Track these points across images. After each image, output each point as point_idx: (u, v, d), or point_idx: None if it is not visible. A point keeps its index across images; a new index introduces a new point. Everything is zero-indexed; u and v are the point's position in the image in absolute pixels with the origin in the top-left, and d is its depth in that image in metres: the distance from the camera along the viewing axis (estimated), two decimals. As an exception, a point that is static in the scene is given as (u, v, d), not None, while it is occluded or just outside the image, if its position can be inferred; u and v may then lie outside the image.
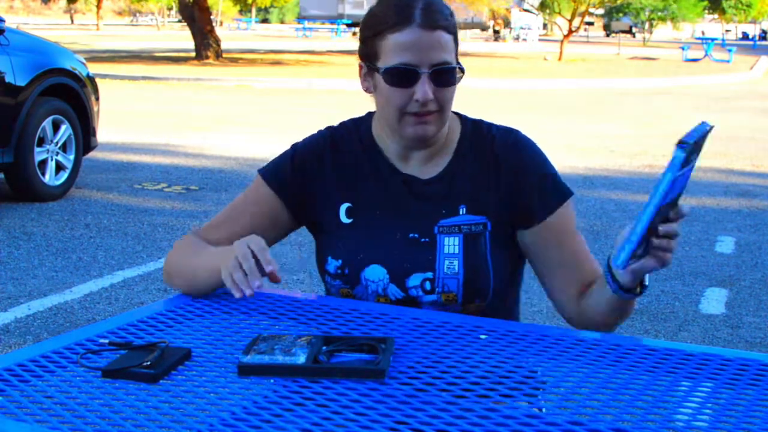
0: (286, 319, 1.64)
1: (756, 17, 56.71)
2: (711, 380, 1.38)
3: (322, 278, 1.84)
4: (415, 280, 1.74)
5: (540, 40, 46.47)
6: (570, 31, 28.98)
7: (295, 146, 1.87)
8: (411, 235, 1.77)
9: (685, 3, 41.23)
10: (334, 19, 47.09)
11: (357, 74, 1.81)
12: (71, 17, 73.55)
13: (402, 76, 1.69)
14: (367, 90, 1.80)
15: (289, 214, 1.84)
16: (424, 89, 1.68)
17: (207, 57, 22.64)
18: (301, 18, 50.96)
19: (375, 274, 1.75)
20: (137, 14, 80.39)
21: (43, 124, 6.67)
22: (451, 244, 1.74)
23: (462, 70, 1.73)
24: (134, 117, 12.05)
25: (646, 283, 1.63)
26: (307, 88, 17.58)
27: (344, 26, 46.65)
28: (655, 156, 9.50)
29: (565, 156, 9.31)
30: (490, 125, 1.85)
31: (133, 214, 6.35)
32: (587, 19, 37.16)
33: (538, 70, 23.15)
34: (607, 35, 58.64)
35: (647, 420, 1.24)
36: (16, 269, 4.97)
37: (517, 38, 46.98)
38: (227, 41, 29.12)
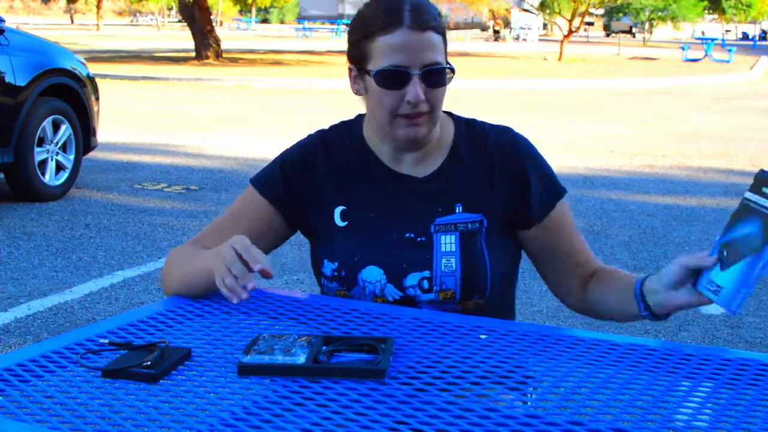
0: (286, 319, 1.63)
1: (756, 17, 56.72)
2: (711, 380, 1.38)
3: (318, 281, 1.84)
4: (412, 279, 1.74)
5: (540, 40, 46.49)
6: (570, 31, 28.98)
7: (284, 154, 1.87)
8: (407, 234, 1.77)
9: (685, 3, 41.23)
10: (334, 19, 47.11)
11: None
12: (71, 17, 73.56)
13: (393, 78, 1.69)
14: (357, 93, 1.79)
15: (284, 221, 1.84)
16: (415, 90, 1.68)
17: (207, 57, 22.65)
18: (301, 18, 51.00)
19: (372, 275, 1.75)
20: (137, 14, 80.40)
21: (43, 124, 6.67)
22: (448, 243, 1.75)
23: (452, 70, 1.73)
24: (134, 117, 12.05)
25: None
26: (307, 88, 17.59)
27: (344, 26, 46.65)
28: (655, 156, 9.50)
29: (565, 156, 9.31)
30: (483, 124, 1.85)
31: (133, 214, 6.35)
32: (587, 19, 37.18)
33: (538, 70, 23.16)
34: (607, 35, 58.66)
35: (647, 420, 1.24)
36: (16, 269, 4.97)
37: (517, 38, 47.00)
38: (227, 41, 29.13)
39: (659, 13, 41.86)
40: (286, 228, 1.86)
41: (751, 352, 1.52)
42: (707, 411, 1.29)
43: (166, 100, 14.62)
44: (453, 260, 1.74)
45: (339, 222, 1.80)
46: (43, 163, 6.73)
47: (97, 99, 7.34)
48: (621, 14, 48.73)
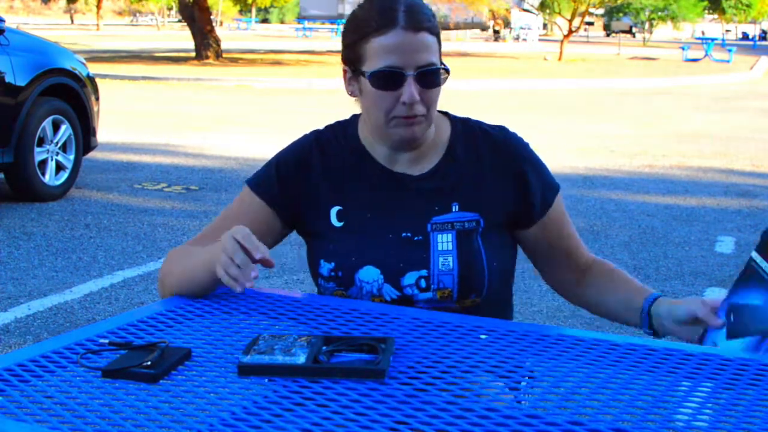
0: (286, 319, 1.63)
1: (756, 17, 56.71)
2: (711, 380, 1.38)
3: (315, 281, 1.84)
4: (409, 278, 1.75)
5: (540, 40, 46.49)
6: (570, 31, 28.99)
7: (279, 154, 1.87)
8: (404, 234, 1.77)
9: (685, 3, 41.22)
10: (334, 19, 47.09)
11: None
12: (71, 17, 73.56)
13: (388, 79, 1.69)
14: (352, 94, 1.79)
15: (281, 222, 1.84)
16: (410, 91, 1.68)
17: (207, 57, 22.65)
18: (301, 18, 51.00)
19: (369, 275, 1.75)
20: (137, 14, 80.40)
21: (43, 124, 6.67)
22: (445, 241, 1.75)
23: (447, 71, 1.73)
24: (134, 117, 12.06)
25: None
26: (307, 88, 17.59)
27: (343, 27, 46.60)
28: (655, 156, 9.50)
29: (565, 156, 9.31)
30: (479, 123, 1.86)
31: (133, 214, 6.35)
32: (587, 19, 37.18)
33: (538, 70, 23.16)
34: (607, 35, 58.65)
35: (647, 420, 1.24)
36: (16, 269, 4.97)
37: (517, 38, 46.99)
38: (227, 41, 29.13)
39: (659, 13, 41.85)
40: (283, 228, 1.86)
41: (751, 353, 1.52)
42: (707, 411, 1.29)
43: (166, 100, 14.62)
44: (450, 259, 1.74)
45: (335, 222, 1.80)
46: (43, 163, 6.73)
47: (97, 99, 7.34)
48: (621, 14, 48.73)
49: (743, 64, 26.97)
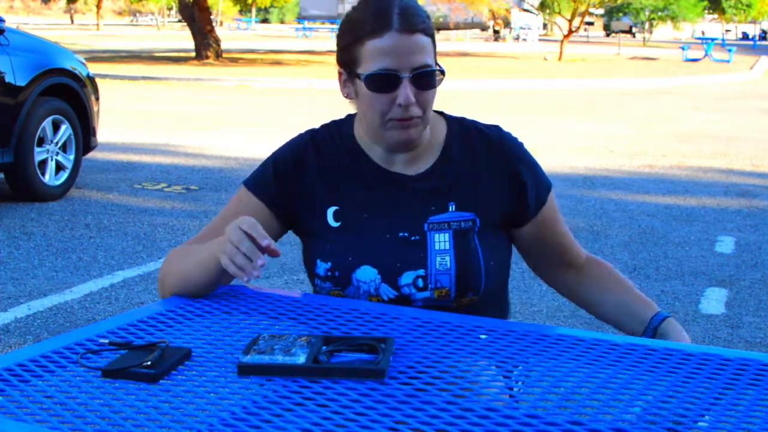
0: (286, 319, 1.63)
1: (756, 17, 56.73)
2: (711, 380, 1.38)
3: (311, 280, 1.84)
4: (407, 278, 1.75)
5: (540, 40, 46.49)
6: (570, 31, 28.99)
7: (275, 154, 1.87)
8: (401, 234, 1.77)
9: (685, 3, 41.22)
10: (334, 19, 47.06)
11: None
12: (71, 17, 73.56)
13: (384, 82, 1.69)
14: (347, 96, 1.80)
15: (278, 221, 1.84)
16: (406, 93, 1.68)
17: (207, 57, 22.65)
18: (301, 18, 50.99)
19: (366, 275, 1.75)
20: (137, 14, 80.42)
21: (43, 124, 6.67)
22: (442, 241, 1.76)
23: (442, 72, 1.73)
24: (134, 117, 12.06)
25: None
26: (307, 88, 17.59)
27: (343, 27, 46.57)
28: (655, 156, 9.50)
29: (565, 156, 9.31)
30: (474, 122, 1.87)
31: (133, 214, 6.35)
32: (587, 19, 37.19)
33: (538, 70, 23.16)
34: (607, 35, 58.66)
35: (647, 420, 1.24)
36: (16, 269, 4.97)
37: (517, 38, 47.00)
38: (227, 41, 29.14)
39: (659, 13, 41.86)
40: (280, 228, 1.86)
41: (751, 352, 1.52)
42: (707, 411, 1.29)
43: (166, 100, 14.62)
44: (447, 258, 1.74)
45: (332, 222, 1.80)
46: (43, 163, 6.73)
47: (97, 99, 7.34)
48: (621, 14, 48.74)
49: (743, 64, 26.97)
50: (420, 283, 1.74)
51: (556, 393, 1.35)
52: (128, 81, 17.92)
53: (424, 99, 1.72)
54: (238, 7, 61.85)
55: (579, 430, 1.20)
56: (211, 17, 25.96)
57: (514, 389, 1.44)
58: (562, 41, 28.74)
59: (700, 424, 1.24)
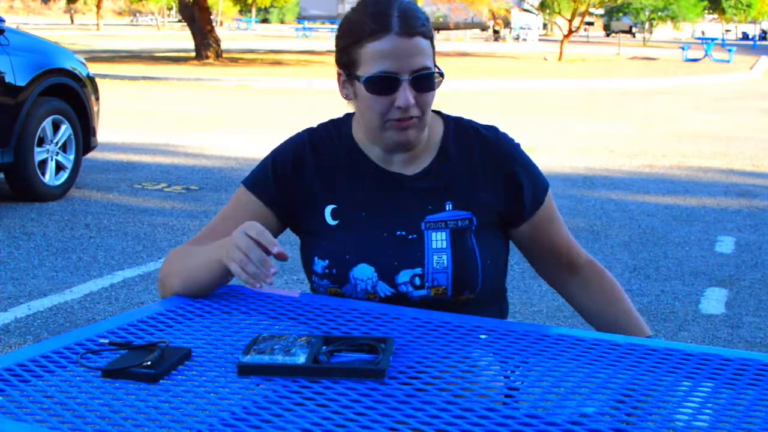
0: (286, 319, 1.64)
1: (756, 17, 56.73)
2: (711, 380, 1.38)
3: (309, 278, 1.85)
4: (404, 276, 1.76)
5: (540, 40, 46.50)
6: (570, 31, 28.98)
7: (274, 152, 1.88)
8: (398, 232, 1.78)
9: (685, 3, 41.23)
10: (334, 19, 47.06)
11: None
12: (71, 17, 73.56)
13: (383, 84, 1.70)
14: (346, 97, 1.80)
15: (277, 220, 1.85)
16: (405, 96, 1.69)
17: (207, 57, 22.65)
18: (301, 18, 51.00)
19: (363, 273, 1.76)
20: (137, 14, 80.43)
21: (43, 124, 6.67)
22: (439, 239, 1.77)
23: (441, 75, 1.74)
24: (134, 117, 12.06)
25: None
26: (307, 88, 17.59)
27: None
28: (655, 156, 9.50)
29: (565, 156, 9.31)
30: (471, 122, 1.88)
31: (133, 214, 6.35)
32: (587, 19, 37.19)
33: (538, 70, 23.16)
34: (607, 35, 58.66)
35: (647, 420, 1.24)
36: (16, 269, 4.97)
37: (517, 38, 47.00)
38: (227, 41, 29.14)
39: (659, 13, 41.85)
40: (279, 226, 1.87)
41: (751, 352, 1.52)
42: (707, 411, 1.29)
43: (166, 100, 14.62)
44: (444, 257, 1.75)
45: (330, 221, 1.81)
46: (43, 163, 6.73)
47: (97, 99, 7.34)
48: (621, 14, 48.75)
49: (743, 64, 26.97)
50: (417, 281, 1.75)
51: (556, 393, 1.35)
52: (128, 81, 17.92)
53: (423, 101, 1.73)
54: (238, 7, 61.85)
55: (579, 430, 1.20)
56: (211, 17, 25.96)
57: (514, 389, 1.44)
58: (562, 41, 28.74)
59: (700, 424, 1.24)
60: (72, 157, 7.01)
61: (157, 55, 25.99)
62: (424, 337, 1.54)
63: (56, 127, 6.85)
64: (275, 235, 1.87)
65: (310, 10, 48.57)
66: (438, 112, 1.88)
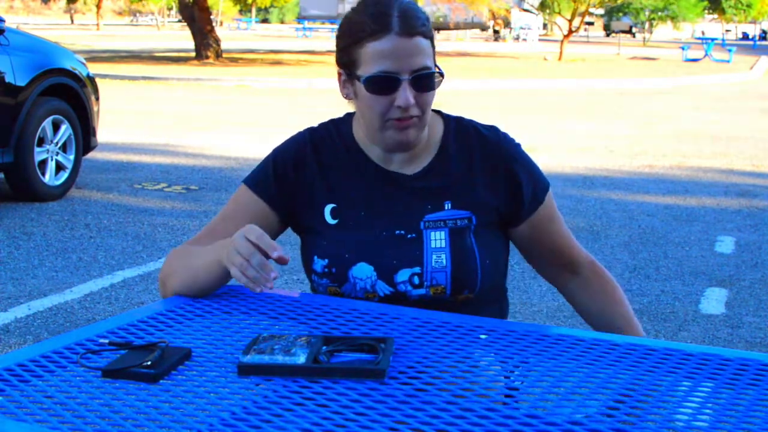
0: (286, 319, 1.64)
1: (756, 17, 56.74)
2: (711, 380, 1.38)
3: (308, 277, 1.86)
4: (403, 275, 1.76)
5: (540, 40, 46.50)
6: (570, 31, 28.99)
7: (275, 151, 1.89)
8: (397, 231, 1.79)
9: (685, 3, 41.24)
10: (334, 19, 47.05)
11: None
12: (71, 17, 73.56)
13: (383, 84, 1.70)
14: (347, 97, 1.81)
15: (278, 219, 1.86)
16: (405, 95, 1.70)
17: (207, 57, 22.65)
18: (301, 18, 50.99)
19: (362, 271, 1.77)
20: (137, 14, 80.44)
21: (43, 124, 6.67)
22: (438, 239, 1.77)
23: (441, 74, 1.74)
24: (134, 117, 12.06)
25: None
26: (307, 88, 17.59)
27: (343, 27, 46.49)
28: (655, 156, 9.50)
29: (565, 156, 9.31)
30: (471, 122, 1.88)
31: (133, 214, 6.35)
32: (587, 19, 37.18)
33: (538, 70, 23.16)
34: (607, 35, 58.67)
35: (647, 420, 1.24)
36: (16, 269, 4.97)
37: (517, 38, 47.01)
38: (227, 41, 29.13)
39: (659, 13, 41.87)
40: (279, 225, 1.87)
41: (751, 352, 1.52)
42: (707, 411, 1.29)
43: (166, 100, 14.62)
44: (443, 256, 1.76)
45: (330, 219, 1.82)
46: (43, 163, 6.73)
47: (97, 99, 7.34)
48: (621, 14, 48.75)
49: (743, 64, 26.97)
50: (416, 280, 1.76)
51: (556, 393, 1.35)
52: (128, 81, 17.92)
53: (423, 101, 1.73)
54: (238, 7, 61.85)
55: (579, 430, 1.20)
56: (211, 17, 25.95)
57: (514, 389, 1.44)
58: (562, 41, 28.74)
59: (700, 424, 1.24)
60: (72, 157, 7.01)
61: (157, 55, 25.99)
62: (424, 337, 1.54)
63: (56, 127, 6.85)
64: (276, 235, 1.88)
65: (310, 10, 48.56)
66: (438, 112, 1.88)
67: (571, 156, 9.36)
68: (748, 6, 52.95)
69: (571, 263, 1.92)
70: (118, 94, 14.72)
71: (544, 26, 56.38)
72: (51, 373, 1.37)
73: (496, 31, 49.78)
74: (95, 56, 23.14)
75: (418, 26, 1.71)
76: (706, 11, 52.76)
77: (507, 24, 49.32)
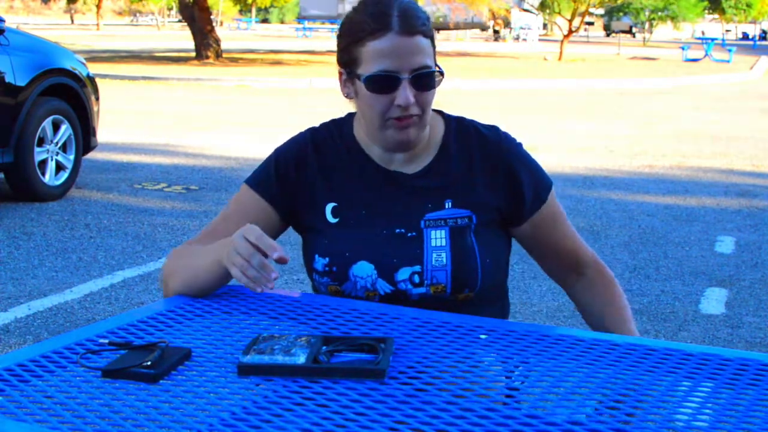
0: (286, 319, 1.64)
1: (756, 17, 56.74)
2: (711, 380, 1.38)
3: (309, 276, 1.86)
4: (403, 274, 1.76)
5: (540, 40, 46.51)
6: (570, 31, 28.99)
7: (277, 151, 1.89)
8: (398, 230, 1.79)
9: (685, 3, 41.23)
10: (334, 19, 47.04)
11: None
12: (71, 17, 73.57)
13: (383, 83, 1.71)
14: (347, 96, 1.82)
15: (280, 219, 1.87)
16: (405, 94, 1.70)
17: (207, 57, 22.64)
18: (301, 18, 50.98)
19: (363, 270, 1.77)
20: (137, 14, 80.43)
21: (43, 124, 6.67)
22: (438, 237, 1.78)
23: (441, 73, 1.75)
24: (134, 117, 12.05)
25: None
26: (308, 88, 17.59)
27: (343, 27, 46.49)
28: (655, 156, 9.50)
29: (565, 156, 9.31)
30: (473, 122, 1.89)
31: (133, 214, 6.35)
32: (587, 19, 37.18)
33: (538, 70, 23.16)
34: (607, 35, 58.67)
35: (647, 420, 1.24)
36: (16, 269, 4.97)
37: (517, 38, 47.01)
38: (227, 41, 29.13)
39: (659, 13, 41.87)
40: (281, 225, 1.88)
41: (751, 352, 1.52)
42: (707, 411, 1.29)
43: (166, 100, 14.62)
44: (443, 255, 1.76)
45: (330, 218, 1.83)
46: (43, 163, 6.73)
47: (97, 99, 7.34)
48: (621, 14, 48.75)
49: (743, 64, 26.97)
50: (416, 279, 1.76)
51: (556, 393, 1.35)
52: (128, 81, 17.92)
53: (424, 100, 1.73)
54: (238, 7, 61.85)
55: (579, 430, 1.20)
56: (211, 17, 25.95)
57: (514, 389, 1.44)
58: (562, 41, 28.74)
59: (700, 424, 1.24)
60: (72, 157, 7.01)
61: (157, 55, 25.99)
62: (424, 337, 1.54)
63: (56, 127, 6.85)
64: (277, 234, 1.88)
65: (310, 10, 48.54)
66: (439, 112, 1.88)
67: (571, 156, 9.36)
68: (748, 6, 52.95)
69: (577, 264, 1.91)
70: (118, 94, 14.72)
71: (544, 26, 56.38)
72: (51, 373, 1.37)
73: (496, 31, 49.78)
74: (95, 56, 23.14)
75: (418, 25, 1.72)
76: (706, 11, 52.76)
77: (507, 24, 49.33)
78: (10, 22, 8.30)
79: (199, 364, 1.42)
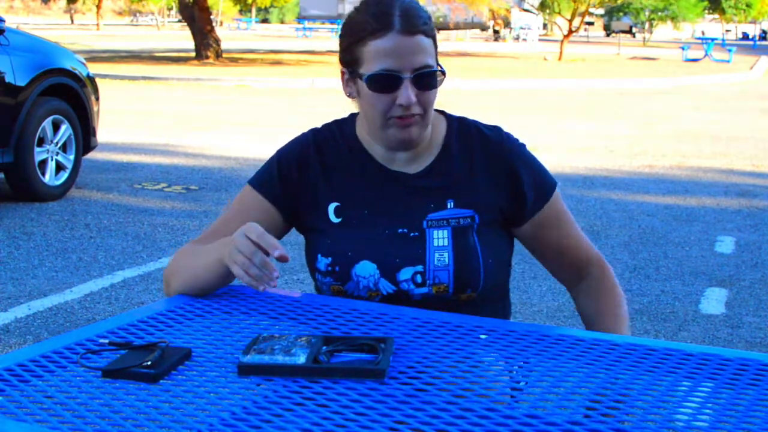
0: (286, 319, 1.64)
1: (756, 17, 56.73)
2: (711, 380, 1.38)
3: (312, 276, 1.86)
4: (405, 273, 1.76)
5: (540, 40, 46.50)
6: (570, 31, 28.99)
7: (279, 152, 1.90)
8: (400, 230, 1.79)
9: (685, 3, 41.23)
10: (334, 19, 47.07)
11: None
12: (71, 17, 73.56)
13: (385, 82, 1.71)
14: (350, 95, 1.82)
15: (282, 219, 1.87)
16: (407, 94, 1.70)
17: (207, 57, 22.64)
18: (301, 18, 50.99)
19: (365, 270, 1.77)
20: (137, 14, 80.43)
21: (43, 124, 6.67)
22: (441, 237, 1.78)
23: (443, 73, 1.75)
24: (134, 117, 12.05)
25: None
26: (308, 87, 17.59)
27: (343, 27, 46.49)
28: (655, 156, 9.50)
29: (565, 156, 9.31)
30: (475, 122, 1.89)
31: (133, 214, 6.35)
32: (587, 19, 37.17)
33: (538, 70, 23.16)
34: (607, 35, 58.67)
35: (647, 420, 1.24)
36: (16, 269, 4.97)
37: (517, 38, 47.00)
38: (227, 41, 29.13)
39: (659, 13, 41.86)
40: (284, 225, 1.88)
41: (751, 352, 1.52)
42: (707, 411, 1.29)
43: (166, 100, 14.62)
44: (446, 255, 1.76)
45: (333, 218, 1.83)
46: (43, 163, 6.73)
47: (97, 99, 7.33)
48: (621, 14, 48.75)
49: (743, 64, 26.97)
50: (418, 278, 1.76)
51: (556, 393, 1.35)
52: (128, 81, 17.92)
53: (425, 99, 1.74)
54: (238, 7, 61.84)
55: (579, 430, 1.20)
56: (211, 17, 25.95)
57: (515, 389, 1.44)
58: (562, 41, 28.74)
59: (700, 424, 1.24)
60: (72, 157, 7.01)
61: (157, 55, 25.99)
62: (424, 337, 1.54)
63: (56, 127, 6.85)
64: (280, 235, 1.88)
65: (310, 10, 48.55)
66: (442, 112, 1.89)
67: (571, 156, 9.36)
68: (748, 6, 52.95)
69: (581, 266, 1.90)
70: (118, 94, 14.72)
71: (544, 26, 56.38)
72: (51, 373, 1.37)
73: (496, 31, 49.78)
74: (95, 56, 23.14)
75: (420, 25, 1.72)
76: (706, 11, 52.75)
77: (507, 24, 49.33)
78: (10, 22, 8.31)
79: (200, 364, 1.42)
